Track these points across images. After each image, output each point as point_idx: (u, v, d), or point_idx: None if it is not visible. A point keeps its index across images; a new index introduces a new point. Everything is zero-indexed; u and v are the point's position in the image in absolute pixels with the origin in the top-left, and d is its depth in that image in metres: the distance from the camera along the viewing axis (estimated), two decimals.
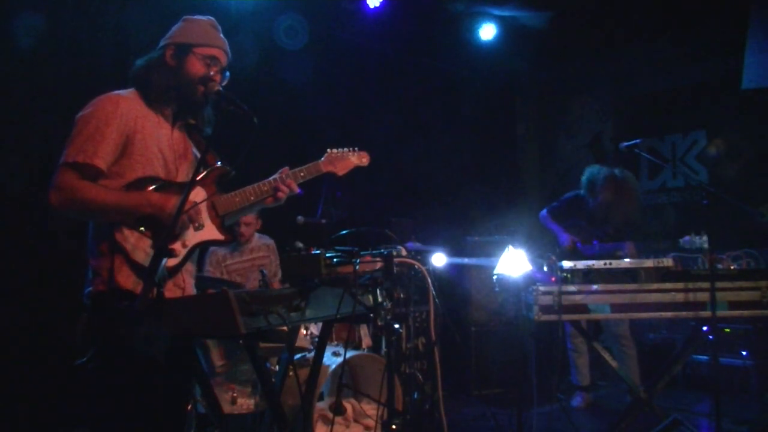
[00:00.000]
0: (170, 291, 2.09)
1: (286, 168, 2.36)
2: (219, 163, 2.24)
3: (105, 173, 2.00)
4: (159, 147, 2.12)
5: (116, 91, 2.11)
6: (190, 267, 2.22)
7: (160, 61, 2.17)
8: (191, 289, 2.23)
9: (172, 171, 2.16)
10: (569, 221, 4.71)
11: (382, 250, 2.47)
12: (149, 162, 2.08)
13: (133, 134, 2.05)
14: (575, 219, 4.70)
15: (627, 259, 3.39)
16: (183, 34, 2.20)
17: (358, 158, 2.56)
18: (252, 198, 2.27)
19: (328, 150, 2.50)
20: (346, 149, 2.53)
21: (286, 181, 2.31)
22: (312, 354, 3.40)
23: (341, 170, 2.51)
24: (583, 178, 4.64)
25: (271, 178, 2.32)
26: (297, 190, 2.34)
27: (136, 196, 2.01)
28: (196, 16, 2.25)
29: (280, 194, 2.30)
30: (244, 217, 4.25)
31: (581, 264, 3.33)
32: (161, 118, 2.18)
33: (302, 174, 2.39)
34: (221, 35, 2.25)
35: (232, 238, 2.31)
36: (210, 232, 2.20)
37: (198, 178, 2.13)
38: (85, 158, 1.95)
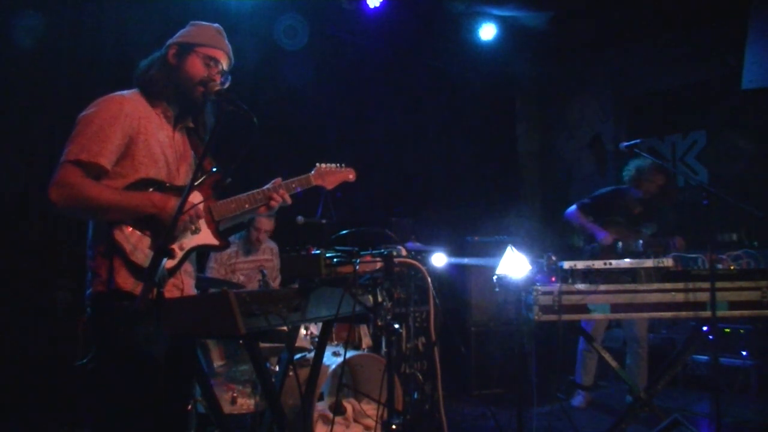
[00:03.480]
0: (168, 291, 2.09)
1: (279, 179, 2.42)
2: (215, 169, 2.26)
3: (108, 173, 2.00)
4: (161, 148, 2.13)
5: (119, 92, 2.11)
6: (189, 268, 2.22)
7: (162, 59, 2.19)
8: (190, 290, 2.23)
9: (173, 172, 2.17)
10: (604, 219, 4.49)
11: (382, 250, 2.47)
12: (153, 163, 2.09)
13: (136, 135, 2.05)
14: (612, 216, 4.49)
15: (627, 259, 3.39)
16: (187, 35, 2.22)
17: (344, 174, 2.64)
18: (246, 206, 2.31)
19: (317, 164, 2.58)
20: (333, 165, 2.62)
21: (279, 191, 2.36)
22: (312, 354, 3.40)
23: (330, 184, 2.59)
24: (629, 169, 4.48)
25: (264, 188, 2.37)
26: (289, 201, 2.40)
27: (139, 196, 2.01)
28: (203, 22, 2.27)
29: (273, 203, 2.35)
30: (265, 225, 4.34)
31: (581, 264, 3.33)
32: (163, 119, 2.19)
33: (294, 185, 2.46)
34: (226, 41, 2.28)
35: (227, 243, 2.35)
36: (205, 236, 2.22)
37: (195, 184, 2.14)
38: (89, 157, 1.95)
